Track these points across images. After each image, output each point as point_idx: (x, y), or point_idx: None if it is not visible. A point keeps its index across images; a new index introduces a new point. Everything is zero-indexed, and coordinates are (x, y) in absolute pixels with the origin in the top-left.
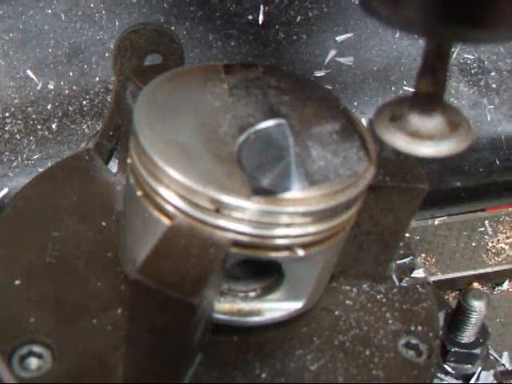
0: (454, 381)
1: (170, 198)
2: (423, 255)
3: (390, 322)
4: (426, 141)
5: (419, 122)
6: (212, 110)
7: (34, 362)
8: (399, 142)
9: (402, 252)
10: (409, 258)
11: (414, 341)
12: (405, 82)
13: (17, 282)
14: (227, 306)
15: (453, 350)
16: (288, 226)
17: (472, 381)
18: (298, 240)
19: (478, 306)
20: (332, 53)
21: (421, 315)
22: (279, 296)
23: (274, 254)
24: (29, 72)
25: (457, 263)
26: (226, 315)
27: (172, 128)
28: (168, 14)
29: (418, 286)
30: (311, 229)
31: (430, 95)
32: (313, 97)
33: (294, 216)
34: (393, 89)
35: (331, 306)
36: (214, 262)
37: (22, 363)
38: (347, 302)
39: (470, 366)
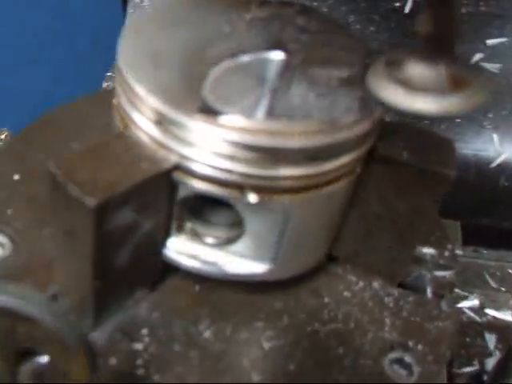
0: None
1: (126, 106)
2: None
3: (387, 329)
4: (418, 94)
5: (416, 70)
6: (215, 32)
7: None
8: (389, 90)
9: (442, 262)
10: (450, 272)
11: (407, 359)
12: None
13: (16, 177)
14: (183, 246)
15: None
16: (232, 158)
17: None
18: (247, 180)
19: None
20: (478, 56)
21: (429, 334)
22: (240, 250)
23: (221, 192)
24: None
25: None
26: (179, 255)
27: (162, 40)
28: None
29: (443, 302)
30: (262, 170)
31: (433, 37)
32: (335, 43)
33: (238, 147)
34: None
35: (322, 291)
36: (139, 175)
37: None
38: (345, 293)
39: None
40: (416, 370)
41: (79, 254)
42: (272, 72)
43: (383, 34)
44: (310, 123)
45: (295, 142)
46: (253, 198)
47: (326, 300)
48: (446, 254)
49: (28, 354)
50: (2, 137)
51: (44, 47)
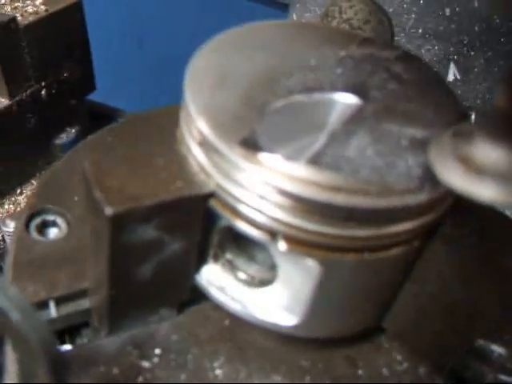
0: None
1: (182, 121)
2: None
3: None
4: (484, 177)
5: (483, 148)
6: (299, 64)
7: (52, 231)
8: (447, 166)
9: (508, 365)
10: None
11: None
12: None
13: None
14: (214, 276)
15: None
16: (265, 199)
17: None
18: (278, 226)
19: None
20: None
21: None
22: (270, 295)
23: (252, 232)
24: None
25: None
26: (208, 284)
27: (237, 60)
28: (474, 38)
29: None
30: (294, 219)
31: (510, 115)
32: (427, 98)
33: (272, 189)
34: None
35: (359, 362)
36: (172, 193)
37: (42, 229)
38: (384, 370)
39: None
40: None
41: (100, 258)
42: (337, 117)
43: None
44: (352, 181)
45: (331, 198)
46: (282, 245)
47: (360, 372)
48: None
49: None
50: None
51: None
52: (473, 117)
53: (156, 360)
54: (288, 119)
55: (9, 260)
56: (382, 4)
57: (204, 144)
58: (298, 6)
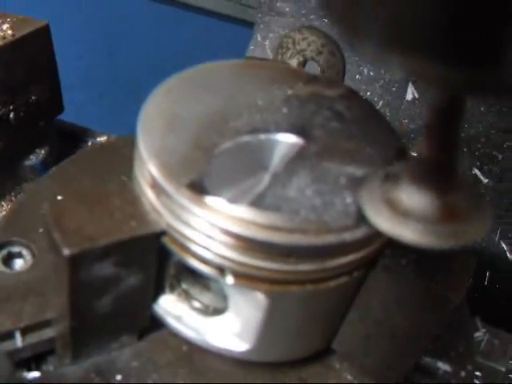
0: None
1: (135, 161)
2: None
3: None
4: (407, 220)
5: (408, 193)
6: (247, 105)
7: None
8: (374, 208)
9: (453, 381)
10: None
11: None
12: None
13: (59, 197)
14: (171, 305)
15: None
16: (212, 238)
17: None
18: (225, 262)
19: None
20: None
21: None
22: (223, 324)
23: (201, 267)
24: None
25: None
26: (164, 313)
27: (186, 106)
28: None
29: None
30: (239, 256)
31: (431, 162)
32: (368, 136)
33: (217, 229)
34: None
35: (311, 381)
36: (125, 233)
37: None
38: None
39: None
40: None
41: (61, 292)
42: (280, 157)
43: (492, 118)
44: (291, 221)
45: (272, 237)
46: (230, 280)
47: None
48: (463, 374)
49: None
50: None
51: (167, 68)
52: None
53: None
54: (234, 161)
55: None
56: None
57: (155, 186)
58: (261, 27)
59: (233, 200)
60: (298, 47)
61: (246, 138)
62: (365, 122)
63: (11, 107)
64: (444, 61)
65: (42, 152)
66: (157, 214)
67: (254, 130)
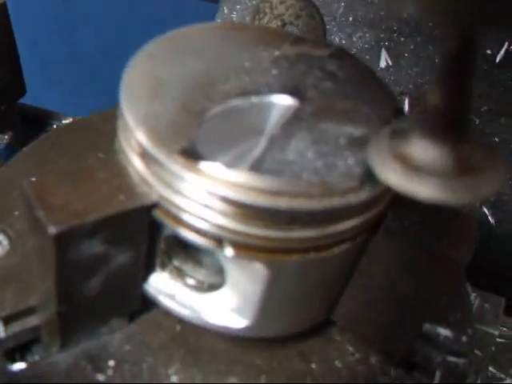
0: None
1: (119, 132)
2: None
3: None
4: (420, 175)
5: (420, 147)
6: (233, 67)
7: None
8: (385, 165)
9: (456, 348)
10: (464, 360)
11: None
12: None
13: (32, 179)
14: (163, 284)
15: None
16: (209, 208)
17: None
18: (224, 233)
19: None
20: None
21: None
22: (220, 300)
23: (198, 240)
24: None
25: None
26: (157, 293)
27: (170, 70)
28: (403, 24)
29: None
30: (239, 225)
31: (443, 113)
32: (363, 95)
33: (215, 197)
34: None
35: (311, 356)
36: (114, 207)
37: None
38: (336, 362)
39: None
40: None
41: (47, 276)
42: (275, 119)
43: None
44: (295, 184)
45: (276, 203)
46: (229, 251)
47: (313, 366)
48: (464, 339)
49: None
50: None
51: (130, 44)
52: (406, 101)
53: (110, 372)
54: (226, 125)
55: None
56: None
57: (144, 155)
58: None
59: (230, 165)
60: (275, 12)
61: (237, 101)
62: (358, 82)
63: None
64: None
65: (6, 137)
66: (147, 186)
67: (245, 93)
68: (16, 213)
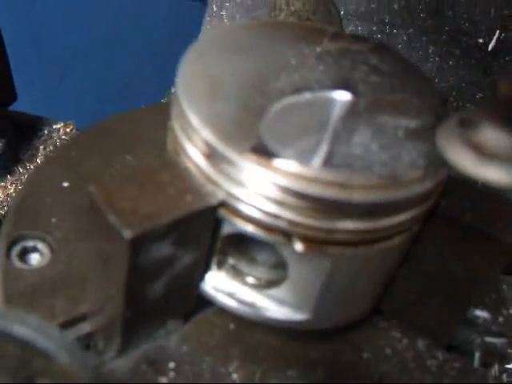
0: None
1: (179, 133)
2: None
3: None
4: (497, 162)
5: (492, 135)
6: (281, 64)
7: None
8: (460, 154)
9: (494, 328)
10: (502, 340)
11: None
12: None
13: (64, 184)
14: (221, 282)
15: None
16: (282, 204)
17: None
18: (295, 228)
19: None
20: None
21: None
22: (280, 295)
23: (267, 236)
24: None
25: None
26: (215, 291)
27: (222, 70)
28: (395, 16)
29: (490, 373)
30: (312, 220)
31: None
32: (409, 87)
33: (289, 193)
34: None
35: (363, 346)
36: (183, 209)
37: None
38: (387, 350)
39: None
40: None
41: (112, 281)
42: (335, 114)
43: (462, 70)
44: (368, 177)
45: (350, 196)
46: (299, 246)
47: (365, 355)
48: (501, 319)
49: None
50: (68, 130)
51: (120, 45)
52: None
53: (172, 374)
54: (288, 122)
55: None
56: None
57: (211, 155)
58: None
59: (302, 160)
60: (292, 8)
61: (293, 98)
62: (402, 74)
63: None
64: None
65: (0, 145)
66: (213, 185)
67: (298, 89)
68: (53, 220)
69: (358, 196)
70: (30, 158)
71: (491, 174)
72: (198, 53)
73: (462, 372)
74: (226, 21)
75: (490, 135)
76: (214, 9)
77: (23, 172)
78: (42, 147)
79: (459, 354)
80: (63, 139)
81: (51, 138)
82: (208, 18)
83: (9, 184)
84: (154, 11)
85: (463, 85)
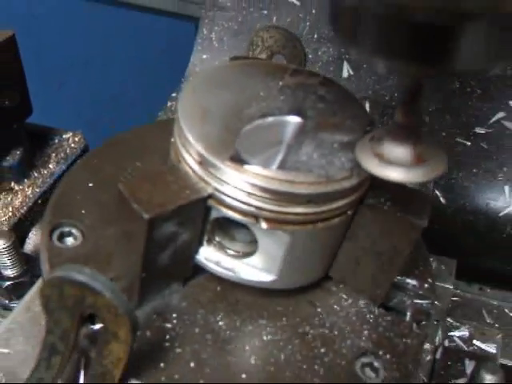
0: None
1: (179, 146)
2: None
3: (363, 339)
4: (391, 165)
5: (390, 148)
6: (253, 96)
7: (69, 239)
8: (367, 160)
9: (421, 292)
10: (427, 301)
11: (376, 364)
12: None
13: (90, 184)
14: (210, 254)
15: None
16: (251, 195)
17: None
18: (261, 212)
19: (491, 379)
20: (500, 114)
21: (397, 347)
22: (253, 262)
23: (241, 218)
24: None
25: None
26: (205, 261)
27: (211, 100)
28: None
29: (414, 325)
30: (272, 206)
31: (404, 125)
32: (346, 112)
33: (256, 187)
34: None
35: (317, 302)
36: (183, 199)
37: (61, 239)
38: (335, 306)
39: None
40: (382, 374)
41: (132, 252)
42: (289, 133)
43: None
44: (310, 177)
45: (298, 190)
46: (264, 225)
47: (319, 310)
48: (426, 286)
49: (86, 321)
50: (76, 139)
51: (116, 57)
52: (367, 104)
53: (174, 321)
54: (255, 138)
55: (44, 267)
56: (281, 16)
57: (202, 162)
58: (206, 21)
59: (265, 166)
60: (266, 44)
61: (260, 122)
62: (342, 102)
63: None
64: (410, 63)
65: (18, 153)
66: (204, 183)
67: (264, 115)
68: (83, 211)
69: (302, 190)
70: (43, 164)
71: (388, 174)
72: (192, 88)
73: (393, 323)
74: (214, 42)
75: (388, 148)
76: (205, 32)
77: (38, 176)
78: (53, 154)
79: (395, 313)
80: (72, 147)
81: (61, 146)
82: (199, 40)
83: (26, 187)
84: (151, 28)
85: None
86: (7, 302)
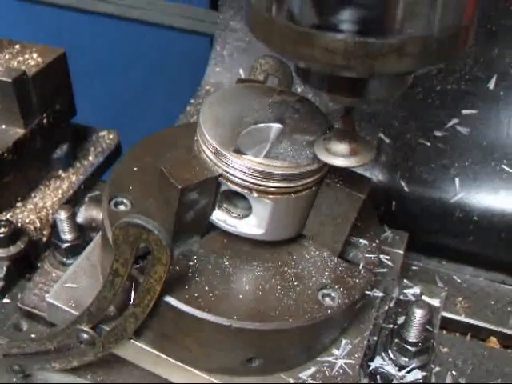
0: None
1: (200, 142)
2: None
3: (325, 277)
4: (335, 156)
5: (333, 144)
6: (251, 108)
7: (121, 207)
8: (321, 152)
9: (369, 249)
10: (375, 255)
11: (333, 294)
12: (505, 162)
13: (135, 169)
14: (220, 215)
15: (396, 340)
16: (247, 174)
17: (403, 372)
18: (253, 186)
19: (419, 312)
20: (454, 120)
21: (349, 283)
22: (249, 221)
23: (240, 190)
24: None
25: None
26: (217, 220)
27: (222, 111)
28: None
29: (362, 270)
30: (261, 182)
31: (344, 130)
32: (313, 120)
33: (250, 170)
34: (492, 164)
35: (293, 252)
36: (202, 177)
37: (117, 206)
38: (306, 255)
39: (406, 359)
40: (337, 301)
41: (168, 212)
42: (273, 134)
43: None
44: (285, 163)
45: (276, 171)
46: (255, 194)
47: (294, 257)
48: (374, 245)
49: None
50: (111, 136)
51: (138, 65)
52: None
53: (195, 261)
54: (251, 138)
55: (106, 223)
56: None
57: (215, 153)
58: (219, 40)
59: (256, 155)
60: (263, 68)
61: (255, 127)
62: (310, 113)
63: (44, 115)
64: (342, 95)
65: (64, 147)
66: (216, 167)
67: (257, 122)
68: (131, 187)
69: (280, 171)
70: (83, 156)
71: (333, 161)
72: (209, 103)
73: (347, 268)
74: (226, 58)
75: (334, 144)
76: (218, 49)
77: (79, 166)
78: (92, 148)
79: (347, 263)
80: (107, 143)
81: (98, 141)
82: (213, 56)
83: (71, 174)
84: (173, 43)
85: (390, 108)
86: (65, 259)
